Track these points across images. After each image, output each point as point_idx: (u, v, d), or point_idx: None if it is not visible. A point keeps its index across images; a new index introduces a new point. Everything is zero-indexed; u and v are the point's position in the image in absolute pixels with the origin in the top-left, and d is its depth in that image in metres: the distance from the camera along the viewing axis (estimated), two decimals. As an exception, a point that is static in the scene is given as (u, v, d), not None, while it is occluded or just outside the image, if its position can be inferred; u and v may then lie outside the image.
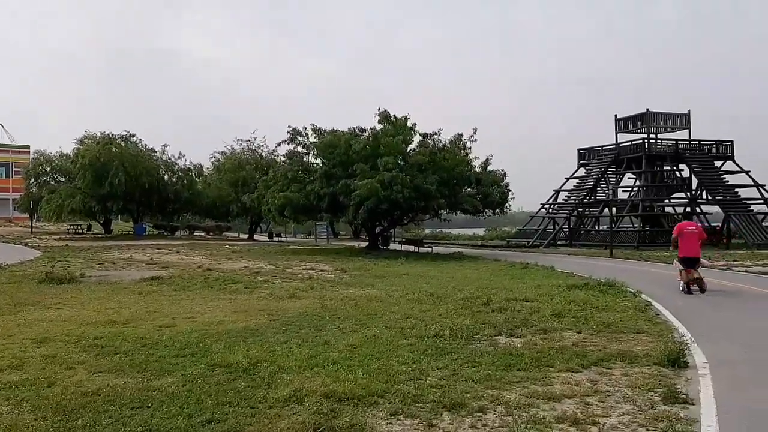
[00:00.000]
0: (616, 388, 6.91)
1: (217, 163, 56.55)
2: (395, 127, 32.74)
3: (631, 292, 15.57)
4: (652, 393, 6.64)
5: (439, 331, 9.96)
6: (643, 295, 15.01)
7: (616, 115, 52.15)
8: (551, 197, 54.27)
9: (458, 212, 35.51)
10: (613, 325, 10.67)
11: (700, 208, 48.78)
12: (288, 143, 35.06)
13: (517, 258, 30.61)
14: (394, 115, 33.24)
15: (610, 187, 52.38)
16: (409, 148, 33.85)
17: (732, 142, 49.36)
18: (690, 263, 16.07)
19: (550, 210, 53.08)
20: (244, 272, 21.49)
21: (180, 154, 52.24)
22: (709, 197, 46.68)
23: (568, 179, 53.99)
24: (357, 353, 8.65)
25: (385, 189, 29.92)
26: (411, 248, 37.69)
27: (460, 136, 34.13)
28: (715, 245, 42.64)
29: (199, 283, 17.79)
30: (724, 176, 47.94)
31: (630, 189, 53.17)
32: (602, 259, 31.63)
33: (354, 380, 6.97)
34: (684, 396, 6.42)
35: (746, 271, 22.56)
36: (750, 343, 9.41)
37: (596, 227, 53.07)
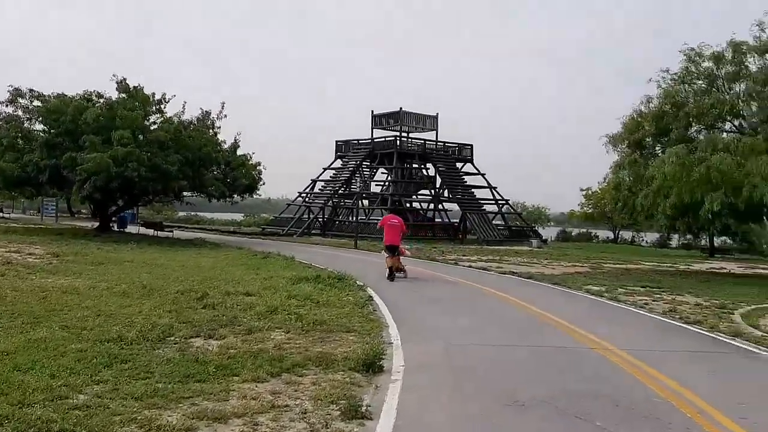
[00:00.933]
0: (297, 402, 6.09)
1: None
2: (135, 99, 29.73)
3: (358, 285, 15.37)
4: (333, 406, 5.92)
5: (124, 333, 8.47)
6: (369, 290, 14.85)
7: (372, 111, 53.76)
8: (308, 186, 54.35)
9: (203, 195, 33.43)
10: (326, 323, 10.05)
11: (443, 205, 52.39)
12: (6, 105, 30.05)
13: (264, 246, 29.67)
14: (134, 86, 30.20)
15: (363, 179, 53.93)
16: (152, 124, 31.03)
17: (472, 145, 53.69)
18: (390, 250, 18.08)
19: (307, 199, 53.09)
20: None
21: None
22: (450, 195, 50.26)
23: (325, 169, 54.48)
24: (4, 362, 6.86)
25: (119, 165, 26.96)
26: (151, 232, 34.87)
27: (207, 113, 32.15)
28: (452, 240, 46.12)
29: None
30: (463, 177, 51.94)
31: (383, 183, 55.26)
32: (347, 250, 31.98)
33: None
34: (365, 410, 5.77)
35: (470, 266, 24.03)
36: (454, 344, 9.32)
37: (350, 218, 54.31)
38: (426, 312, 12.31)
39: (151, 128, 30.20)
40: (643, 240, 68.37)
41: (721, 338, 10.55)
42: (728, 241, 52.59)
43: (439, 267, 23.63)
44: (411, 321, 11.09)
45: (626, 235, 70.15)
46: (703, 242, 55.13)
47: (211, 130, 32.13)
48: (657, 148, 23.78)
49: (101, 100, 29.77)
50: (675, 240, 62.70)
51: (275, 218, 56.23)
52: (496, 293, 15.48)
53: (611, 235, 70.23)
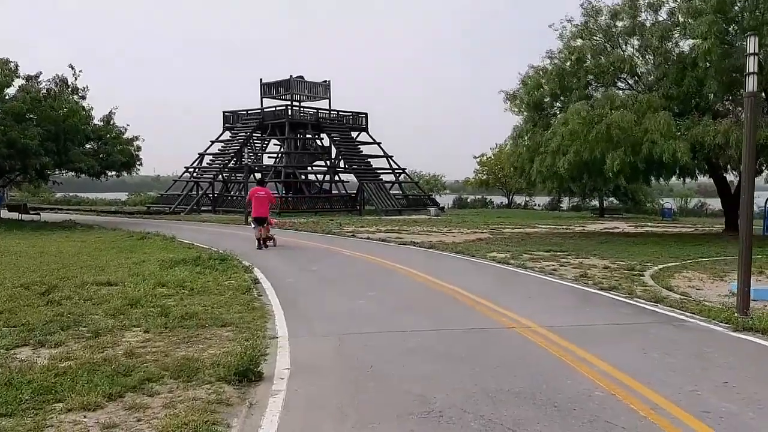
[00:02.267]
0: (137, 440, 4.43)
1: None
2: (-15, 66, 26.03)
3: (244, 266, 13.64)
4: (186, 444, 4.31)
5: None
6: (256, 271, 13.14)
7: (261, 80, 51.04)
8: (196, 160, 51.09)
9: (72, 173, 30.06)
10: (198, 315, 8.31)
11: (339, 176, 50.79)
12: None
13: (145, 226, 27.06)
14: (-18, 50, 26.36)
15: (255, 152, 51.37)
16: (7, 94, 27.33)
17: (366, 114, 52.17)
18: (259, 222, 18.54)
19: (195, 174, 49.93)
20: None
21: None
22: (346, 166, 48.72)
23: (213, 142, 51.39)
24: None
25: (-36, 141, 23.49)
26: (15, 215, 31.19)
27: (63, 79, 28.68)
28: (349, 212, 44.78)
29: None
30: (359, 146, 50.49)
31: (276, 155, 52.86)
32: (237, 226, 29.79)
33: None
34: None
35: (368, 238, 22.68)
36: (352, 333, 7.87)
37: (241, 193, 51.63)
38: (320, 294, 10.76)
39: (5, 99, 26.49)
40: (535, 204, 69.99)
41: (643, 305, 9.71)
42: (614, 201, 54.40)
43: (335, 240, 22.15)
44: (302, 307, 9.52)
45: (519, 199, 71.60)
46: (592, 203, 56.75)
47: (75, 95, 28.69)
48: (556, 109, 23.23)
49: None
50: (565, 203, 64.68)
51: (161, 196, 52.71)
52: (397, 267, 14.16)
53: (505, 200, 71.38)
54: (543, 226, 31.24)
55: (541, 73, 22.92)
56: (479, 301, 9.81)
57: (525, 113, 22.85)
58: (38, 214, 31.53)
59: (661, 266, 14.59)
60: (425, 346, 7.04)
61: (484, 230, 28.06)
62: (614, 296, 10.57)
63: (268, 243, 18.64)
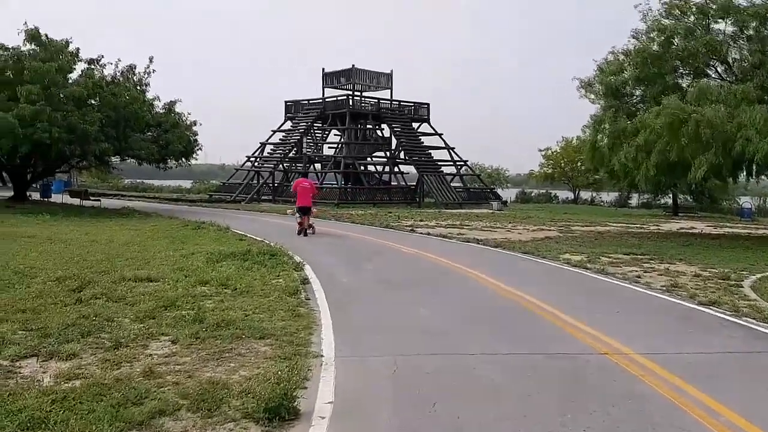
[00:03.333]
0: None
1: None
2: (48, 51, 25.88)
3: (295, 262, 12.63)
4: None
5: None
6: (307, 268, 12.11)
7: (323, 69, 50.25)
8: (257, 150, 50.84)
9: (134, 160, 29.89)
10: (235, 323, 7.27)
11: (399, 168, 49.62)
12: None
13: (203, 215, 26.61)
14: (47, 35, 26.31)
15: (315, 142, 50.76)
16: (71, 79, 27.25)
17: (428, 104, 50.76)
18: (303, 212, 19.55)
19: (256, 163, 49.70)
20: None
21: None
22: (407, 157, 47.49)
23: (274, 132, 50.98)
24: None
25: (26, 127, 23.34)
26: (77, 201, 31.34)
27: (131, 67, 28.46)
28: (408, 204, 43.59)
29: None
30: (420, 137, 49.18)
31: (336, 145, 52.11)
32: (292, 218, 28.98)
33: None
34: None
35: (428, 234, 21.41)
36: (411, 355, 6.69)
37: (301, 183, 51.16)
38: (375, 299, 9.57)
39: (67, 84, 26.37)
40: (601, 200, 67.19)
41: (756, 327, 8.14)
42: (688, 198, 51.33)
43: (394, 235, 20.99)
44: (354, 315, 8.37)
45: (585, 195, 68.91)
46: (662, 201, 53.79)
47: (137, 87, 28.43)
48: (636, 97, 21.34)
49: (5, 53, 25.74)
50: (634, 199, 61.77)
51: (223, 184, 52.74)
52: (461, 268, 12.86)
53: (571, 195, 68.80)
54: (614, 225, 29.32)
55: (621, 57, 21.08)
56: (558, 315, 8.45)
57: (603, 101, 21.01)
58: (98, 200, 31.59)
59: (759, 275, 12.84)
60: (501, 379, 5.77)
61: (552, 227, 26.42)
62: (717, 313, 9.01)
63: (308, 231, 19.38)
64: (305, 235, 19.02)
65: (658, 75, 19.85)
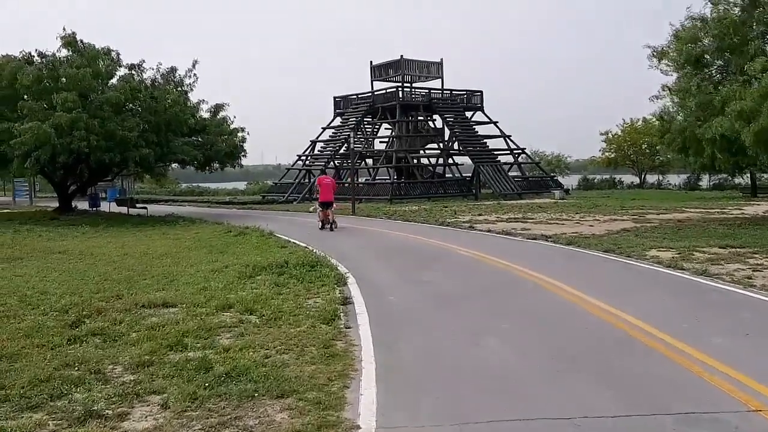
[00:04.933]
0: None
1: None
2: (85, 56, 25.02)
3: (337, 274, 10.95)
4: None
5: None
6: (350, 282, 10.42)
7: (371, 62, 48.63)
8: (308, 148, 49.66)
9: (176, 164, 28.88)
10: (250, 372, 5.59)
11: (453, 159, 47.57)
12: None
13: (251, 219, 25.55)
14: (81, 40, 25.45)
15: (365, 137, 49.20)
16: (110, 85, 26.37)
17: (482, 92, 48.50)
18: (325, 206, 20.80)
19: (307, 162, 48.53)
20: None
21: None
22: (461, 148, 45.39)
23: (324, 129, 49.66)
24: None
25: (62, 135, 22.47)
26: (124, 209, 30.63)
27: (173, 69, 27.34)
28: (465, 196, 41.55)
29: None
30: (474, 127, 47.00)
31: (387, 139, 50.44)
32: (344, 217, 27.43)
33: None
34: None
35: (489, 231, 19.40)
36: (472, 420, 4.89)
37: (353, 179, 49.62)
38: (430, 327, 7.67)
39: (106, 89, 25.45)
40: (669, 183, 63.53)
41: None
42: (764, 176, 47.40)
43: (450, 234, 19.12)
44: (405, 355, 6.49)
45: (651, 178, 65.30)
46: (737, 181, 50.02)
47: (178, 89, 27.33)
48: (715, 67, 18.83)
49: (42, 60, 24.99)
50: (705, 181, 58.04)
51: (275, 184, 51.80)
52: (534, 276, 10.87)
53: (636, 179, 65.27)
54: (692, 211, 26.69)
55: (698, 23, 18.61)
56: (674, 344, 6.45)
57: (682, 70, 18.55)
58: (145, 208, 30.78)
59: None
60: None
61: (624, 217, 24.10)
62: None
63: (332, 226, 20.47)
64: (331, 229, 20.20)
65: (742, 42, 17.34)
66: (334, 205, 21.40)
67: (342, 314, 8.03)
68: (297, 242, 16.93)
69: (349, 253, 14.43)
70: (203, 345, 6.61)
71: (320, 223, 20.63)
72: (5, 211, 32.86)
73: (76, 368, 5.87)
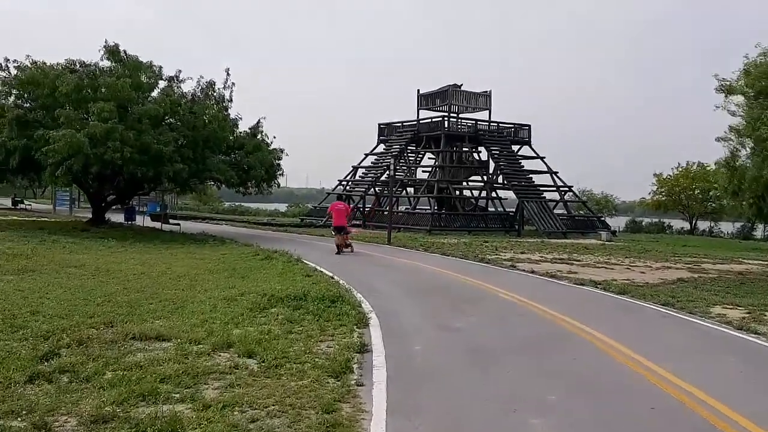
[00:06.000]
0: None
1: None
2: (126, 67, 24.68)
3: (359, 312, 9.75)
4: None
5: None
6: (372, 323, 9.21)
7: (418, 90, 47.82)
8: (349, 173, 48.92)
9: (211, 183, 28.20)
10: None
11: (497, 193, 46.11)
12: (-19, 78, 25.28)
13: (283, 242, 24.69)
14: (125, 51, 25.13)
15: (408, 165, 48.15)
16: (150, 97, 25.97)
17: (530, 126, 47.09)
18: (338, 230, 21.72)
19: (347, 187, 47.75)
20: None
21: None
22: (505, 182, 43.94)
23: (367, 155, 48.90)
24: None
25: (96, 146, 21.96)
26: (157, 225, 30.12)
27: (211, 83, 26.80)
28: (507, 232, 40.01)
29: None
30: (520, 161, 45.56)
31: (430, 169, 49.32)
32: (378, 246, 26.30)
33: None
34: None
35: (532, 271, 17.95)
36: None
37: (395, 207, 48.58)
38: (462, 392, 6.31)
39: (146, 102, 25.01)
40: (720, 231, 60.79)
41: None
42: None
43: (490, 272, 17.76)
44: (426, 429, 5.30)
45: (702, 225, 62.57)
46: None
47: (217, 105, 26.79)
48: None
49: (83, 69, 24.70)
50: (759, 230, 55.31)
51: (314, 208, 51.11)
52: (584, 331, 9.42)
53: (685, 225, 62.62)
54: (751, 262, 24.71)
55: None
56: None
57: (755, 100, 16.95)
58: (178, 224, 30.21)
59: None
60: None
61: (678, 264, 22.38)
62: None
63: (345, 249, 21.41)
64: (342, 253, 21.06)
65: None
66: (350, 230, 22.76)
67: (356, 365, 6.81)
68: (324, 271, 15.84)
69: (377, 288, 13.25)
70: (182, 396, 5.48)
71: (336, 248, 21.40)
72: (42, 219, 32.69)
73: (20, 419, 4.81)
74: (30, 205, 51.17)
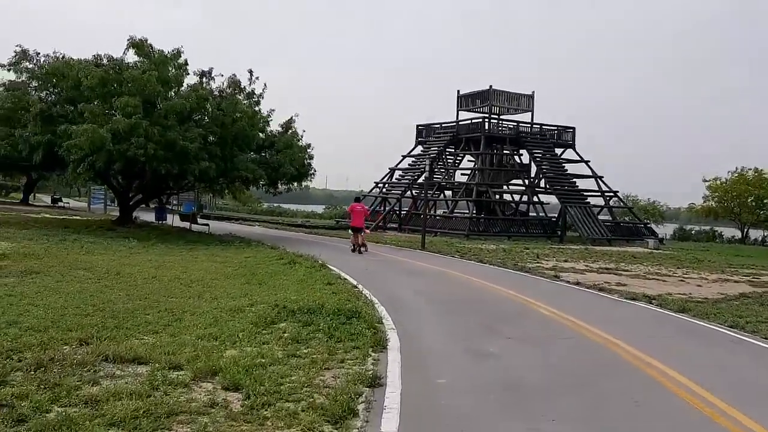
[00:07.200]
0: None
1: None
2: (152, 61, 23.85)
3: (376, 336, 8.37)
4: None
5: None
6: (390, 346, 7.87)
7: (458, 91, 46.37)
8: (386, 175, 47.72)
9: (237, 182, 27.20)
10: None
11: (538, 197, 44.28)
12: (8, 69, 24.74)
13: (313, 245, 23.75)
14: (150, 45, 24.27)
15: (446, 167, 46.65)
16: (176, 92, 25.10)
17: (574, 129, 45.16)
18: (355, 230, 22.45)
19: (384, 189, 46.55)
20: None
21: None
22: (547, 186, 42.10)
23: (404, 157, 47.62)
24: None
25: (119, 141, 21.14)
26: (186, 225, 29.32)
27: (236, 81, 25.79)
28: (549, 238, 38.26)
29: None
30: (563, 165, 43.65)
31: (469, 171, 47.71)
32: (411, 251, 24.94)
33: None
34: None
35: (577, 283, 16.34)
36: None
37: (432, 210, 47.12)
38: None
39: (173, 97, 24.14)
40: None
41: None
42: None
43: (530, 283, 16.26)
44: None
45: (754, 234, 59.66)
46: None
47: (246, 101, 25.80)
48: None
49: (109, 63, 23.92)
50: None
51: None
52: (647, 364, 7.76)
53: (736, 233, 59.77)
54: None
55: None
56: None
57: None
58: (207, 225, 29.37)
59: None
60: None
61: (735, 276, 20.69)
62: None
63: (362, 249, 22.08)
64: (359, 252, 21.80)
65: None
66: (366, 231, 23.67)
67: (363, 406, 5.49)
68: (348, 278, 14.59)
69: (403, 300, 11.93)
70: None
71: (352, 245, 22.33)
72: (73, 218, 32.25)
73: None
74: (68, 203, 51.37)
